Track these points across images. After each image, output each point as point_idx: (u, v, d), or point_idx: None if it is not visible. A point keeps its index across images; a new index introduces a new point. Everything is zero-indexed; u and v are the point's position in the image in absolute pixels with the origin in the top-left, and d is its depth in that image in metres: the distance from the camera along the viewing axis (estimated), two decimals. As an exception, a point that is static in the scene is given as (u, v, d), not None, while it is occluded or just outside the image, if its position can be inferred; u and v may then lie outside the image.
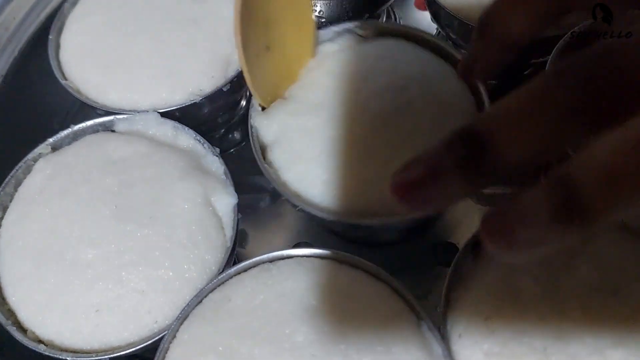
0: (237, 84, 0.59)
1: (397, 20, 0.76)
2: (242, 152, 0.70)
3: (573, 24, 0.53)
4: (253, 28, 0.47)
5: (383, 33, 0.57)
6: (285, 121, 0.51)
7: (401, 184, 0.31)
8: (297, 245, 0.62)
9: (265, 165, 0.50)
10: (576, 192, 0.27)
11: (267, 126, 0.51)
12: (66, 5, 0.64)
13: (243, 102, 0.72)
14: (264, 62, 0.50)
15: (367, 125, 0.49)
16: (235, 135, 0.72)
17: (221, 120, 0.70)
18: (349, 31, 0.57)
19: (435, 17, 0.64)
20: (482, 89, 0.51)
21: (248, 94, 0.73)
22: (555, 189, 0.27)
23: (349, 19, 0.67)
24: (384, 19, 0.75)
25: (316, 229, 0.63)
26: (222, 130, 0.71)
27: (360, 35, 0.57)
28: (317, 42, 0.55)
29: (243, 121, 0.72)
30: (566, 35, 0.53)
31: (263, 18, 0.48)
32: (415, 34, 0.56)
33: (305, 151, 0.49)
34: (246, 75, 0.49)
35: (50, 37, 0.62)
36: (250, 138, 0.51)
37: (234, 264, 0.49)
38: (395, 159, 0.47)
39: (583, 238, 0.28)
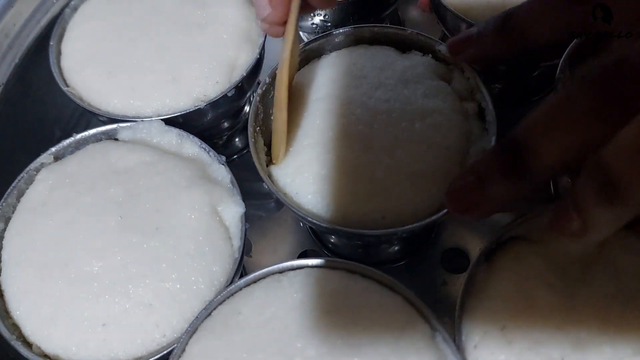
0: (241, 89, 0.58)
1: (402, 23, 0.76)
2: (244, 159, 0.69)
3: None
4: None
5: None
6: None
7: (453, 191, 0.38)
8: (303, 253, 0.61)
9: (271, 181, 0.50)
10: (609, 172, 0.30)
11: (284, 175, 0.52)
12: (67, 11, 0.63)
13: (247, 108, 0.71)
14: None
15: (360, 142, 0.50)
16: (237, 142, 0.71)
17: (224, 127, 0.69)
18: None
19: (442, 19, 0.64)
20: (483, 89, 0.52)
21: (252, 100, 0.72)
22: (592, 173, 0.31)
23: (354, 23, 0.67)
24: (389, 23, 0.75)
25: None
26: (225, 137, 0.70)
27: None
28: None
29: (246, 127, 0.71)
30: (575, 41, 0.53)
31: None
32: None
33: (307, 167, 0.50)
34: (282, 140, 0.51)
35: (51, 43, 0.61)
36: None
37: (242, 274, 0.48)
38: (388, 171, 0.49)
39: (630, 215, 0.32)
